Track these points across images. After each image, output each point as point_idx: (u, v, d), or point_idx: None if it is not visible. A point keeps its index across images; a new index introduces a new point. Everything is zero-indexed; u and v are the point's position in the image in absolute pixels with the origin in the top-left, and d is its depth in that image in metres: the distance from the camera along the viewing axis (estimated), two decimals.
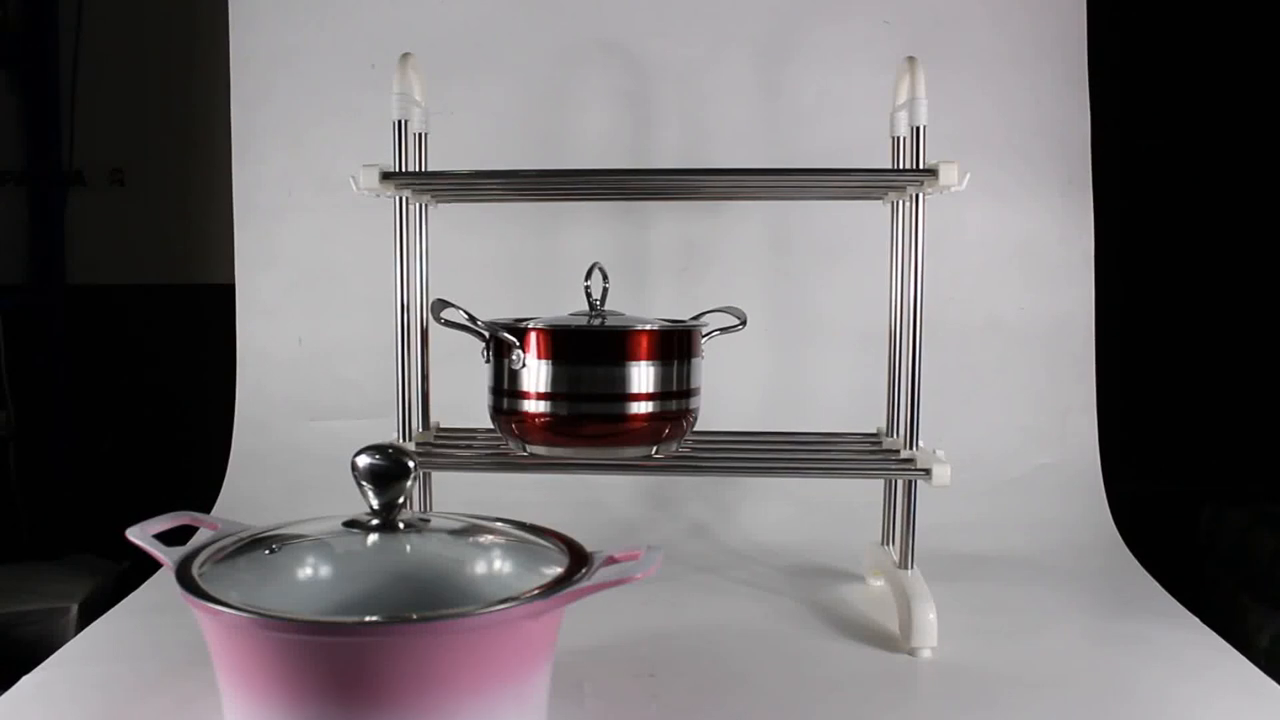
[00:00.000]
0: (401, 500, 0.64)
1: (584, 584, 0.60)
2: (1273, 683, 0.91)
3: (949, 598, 1.00)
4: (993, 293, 1.45)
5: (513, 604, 0.56)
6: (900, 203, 1.09)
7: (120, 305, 1.82)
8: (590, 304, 1.04)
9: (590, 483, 1.40)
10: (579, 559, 0.63)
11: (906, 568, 1.04)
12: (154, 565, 1.24)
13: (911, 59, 1.03)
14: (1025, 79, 1.45)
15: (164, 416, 1.63)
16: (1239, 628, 1.14)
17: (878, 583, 1.17)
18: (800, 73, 1.46)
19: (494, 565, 0.66)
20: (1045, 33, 1.45)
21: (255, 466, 1.46)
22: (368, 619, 0.54)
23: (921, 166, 1.00)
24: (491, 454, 1.06)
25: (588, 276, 1.04)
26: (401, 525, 0.66)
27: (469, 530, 0.68)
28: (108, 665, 0.94)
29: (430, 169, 1.13)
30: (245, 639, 0.57)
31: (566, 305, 1.06)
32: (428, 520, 0.67)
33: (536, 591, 0.58)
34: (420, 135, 1.12)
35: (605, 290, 1.04)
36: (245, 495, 1.43)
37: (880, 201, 1.15)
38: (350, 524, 0.68)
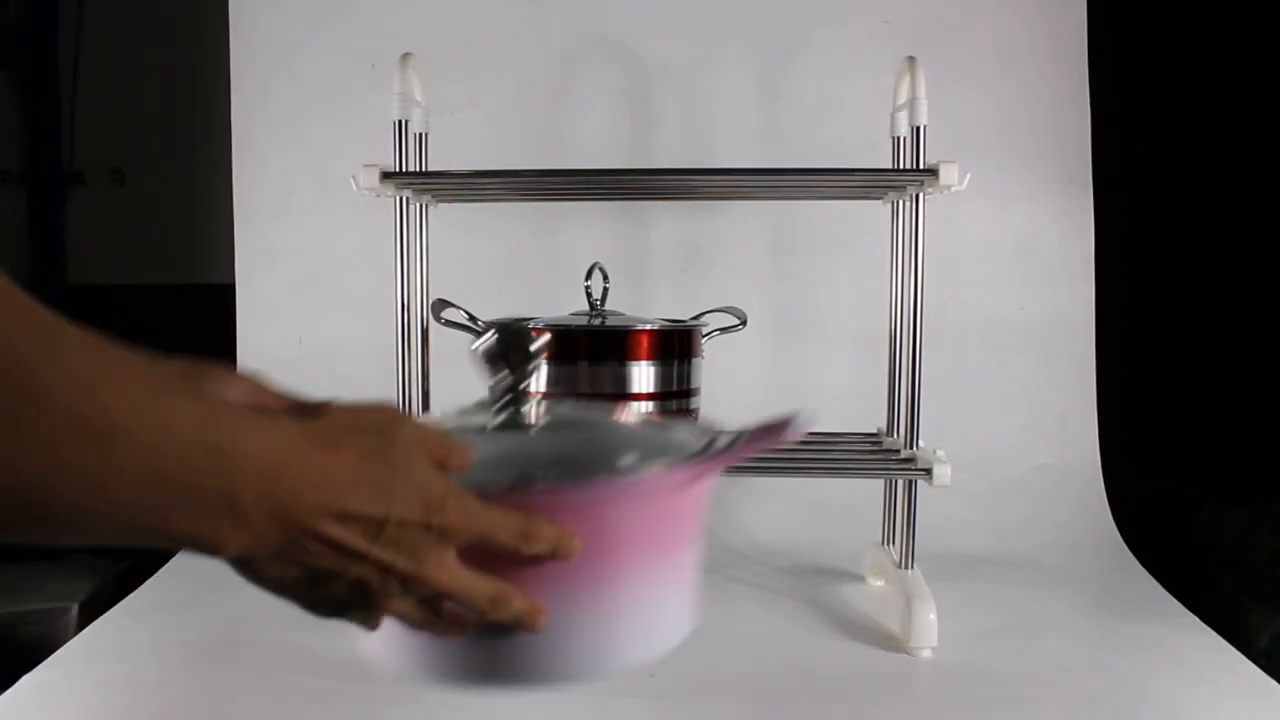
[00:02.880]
0: (527, 384, 0.59)
1: (745, 443, 0.56)
2: (1273, 683, 0.91)
3: (949, 598, 1.00)
4: (993, 293, 1.45)
5: (694, 460, 0.54)
6: (900, 203, 1.09)
7: (120, 305, 1.82)
8: (590, 304, 1.04)
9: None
10: (719, 432, 0.59)
11: (906, 568, 1.04)
12: (154, 565, 1.24)
13: (911, 59, 1.03)
14: (1025, 79, 1.45)
15: None
16: (1239, 628, 1.14)
17: (878, 583, 1.17)
18: (800, 73, 1.46)
19: (627, 444, 0.60)
20: (1045, 33, 1.45)
21: None
22: (549, 480, 0.51)
23: (921, 166, 1.00)
24: None
25: (588, 276, 1.04)
26: (526, 409, 0.60)
27: (601, 418, 0.63)
28: (108, 665, 0.94)
29: (430, 169, 1.13)
30: None
31: (567, 305, 1.06)
32: (557, 403, 0.62)
33: (705, 450, 0.55)
34: (420, 135, 1.12)
35: (605, 290, 1.04)
36: None
37: (880, 201, 1.15)
38: (475, 405, 0.63)
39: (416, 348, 1.08)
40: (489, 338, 0.60)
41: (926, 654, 0.96)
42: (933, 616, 0.96)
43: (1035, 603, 1.13)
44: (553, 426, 0.60)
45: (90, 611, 1.11)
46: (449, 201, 1.17)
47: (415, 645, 0.54)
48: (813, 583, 1.18)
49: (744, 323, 1.09)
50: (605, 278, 1.04)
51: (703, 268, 1.46)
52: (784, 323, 1.46)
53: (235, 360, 1.51)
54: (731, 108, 1.46)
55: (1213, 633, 1.03)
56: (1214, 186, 1.48)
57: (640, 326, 0.99)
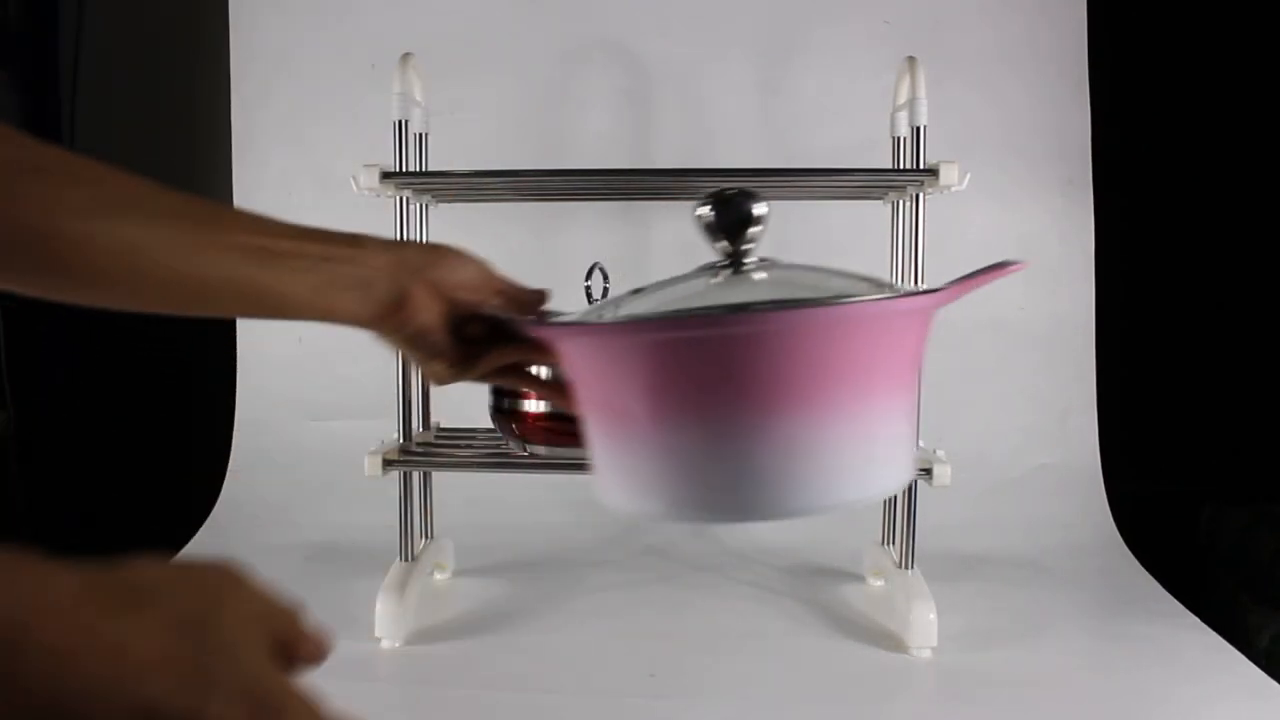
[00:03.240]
0: (751, 245, 0.58)
1: (968, 280, 0.56)
2: (1273, 683, 0.91)
3: (949, 598, 1.00)
4: (993, 293, 1.44)
5: (925, 292, 0.54)
6: (900, 203, 1.09)
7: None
8: (590, 303, 1.04)
9: (591, 482, 1.40)
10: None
11: (906, 568, 1.04)
12: None
13: (911, 59, 1.03)
14: (1025, 79, 1.45)
15: (164, 417, 1.63)
16: (1239, 628, 1.14)
17: (878, 583, 1.17)
18: (800, 73, 1.46)
19: (850, 287, 0.59)
20: (1045, 33, 1.45)
21: (255, 466, 1.46)
22: (766, 307, 0.50)
23: (922, 166, 1.00)
24: (491, 454, 1.06)
25: (588, 276, 1.04)
26: (751, 265, 0.59)
27: (821, 269, 0.61)
28: None
29: (430, 169, 1.13)
30: (639, 351, 0.51)
31: (567, 305, 1.05)
32: (775, 262, 0.60)
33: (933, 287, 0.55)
34: (420, 135, 1.12)
35: (606, 290, 1.04)
36: (245, 495, 1.43)
37: (880, 201, 1.15)
38: (703, 269, 0.61)
39: None
40: (708, 207, 0.58)
41: (926, 654, 0.96)
42: (933, 616, 0.96)
43: (1035, 603, 1.13)
44: (773, 278, 0.58)
45: None
46: (449, 201, 1.17)
47: (652, 486, 0.53)
48: (813, 583, 1.18)
49: None
50: (605, 277, 1.04)
51: None
52: None
53: (235, 360, 1.52)
54: (731, 108, 1.46)
55: (1213, 633, 1.03)
56: (1214, 187, 1.48)
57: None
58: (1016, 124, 1.45)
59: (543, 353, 0.58)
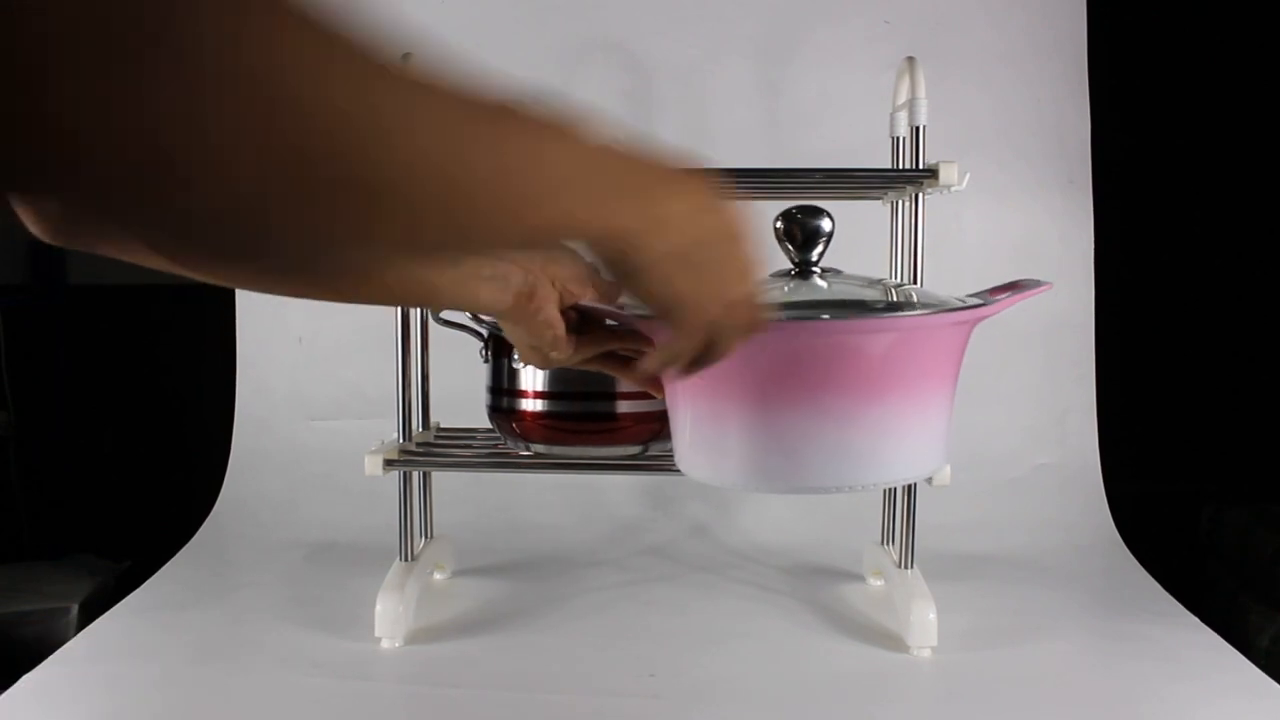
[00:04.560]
0: (819, 255, 0.69)
1: (1013, 295, 0.70)
2: (1273, 683, 0.91)
3: (949, 598, 1.00)
4: None
5: (974, 304, 0.66)
6: (900, 203, 1.09)
7: (120, 305, 1.82)
8: None
9: (590, 482, 1.41)
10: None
11: (906, 568, 1.04)
12: (154, 565, 1.24)
13: (911, 59, 1.03)
14: (1025, 79, 1.45)
15: (164, 416, 1.63)
16: (1239, 628, 1.14)
17: (878, 583, 1.17)
18: (800, 73, 1.46)
19: (907, 298, 0.71)
20: (1045, 33, 1.45)
21: (255, 466, 1.46)
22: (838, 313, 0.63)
23: (921, 166, 1.00)
24: (491, 454, 1.06)
25: None
26: (819, 274, 0.70)
27: (879, 283, 0.72)
28: (108, 665, 0.94)
29: None
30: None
31: None
32: (840, 272, 0.71)
33: (976, 302, 0.67)
34: None
35: None
36: (245, 495, 1.43)
37: (880, 201, 1.15)
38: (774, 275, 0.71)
39: (416, 348, 1.08)
40: (782, 221, 0.69)
41: (926, 654, 0.96)
42: (933, 616, 0.96)
43: (1035, 603, 1.13)
44: (836, 287, 0.69)
45: (90, 611, 1.11)
46: None
47: (722, 456, 0.63)
48: (813, 583, 1.18)
49: None
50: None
51: None
52: None
53: (235, 360, 1.52)
54: (731, 108, 1.46)
55: (1213, 633, 1.03)
56: (1214, 187, 1.48)
57: None
58: (1016, 124, 1.45)
59: (634, 339, 0.66)
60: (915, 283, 1.02)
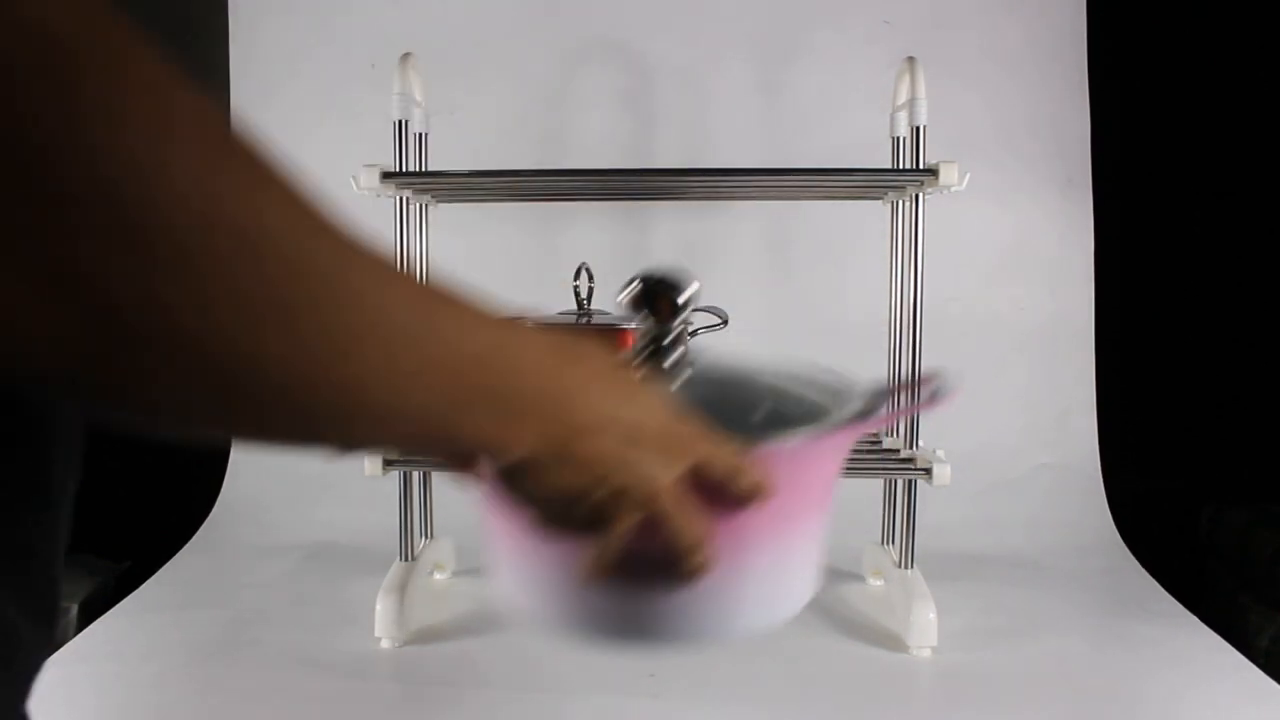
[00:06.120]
0: (677, 333, 0.59)
1: (882, 413, 0.54)
2: (1273, 683, 0.91)
3: (949, 598, 1.00)
4: (992, 293, 1.45)
5: (838, 427, 0.52)
6: (900, 203, 1.09)
7: None
8: (579, 303, 1.04)
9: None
10: (865, 394, 0.56)
11: (906, 568, 1.04)
12: (154, 565, 1.24)
13: (911, 59, 1.03)
14: (1025, 79, 1.45)
15: None
16: (1239, 628, 1.14)
17: (878, 583, 1.17)
18: (800, 73, 1.46)
19: (778, 399, 0.60)
20: (1045, 33, 1.45)
21: (255, 466, 1.46)
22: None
23: (921, 166, 1.00)
24: None
25: (576, 277, 1.04)
26: (678, 359, 0.60)
27: (747, 367, 0.62)
28: (108, 665, 0.94)
29: (430, 169, 1.13)
30: None
31: (567, 305, 1.06)
32: (706, 354, 0.61)
33: (860, 412, 0.54)
34: (420, 135, 1.12)
35: (591, 290, 1.04)
36: (245, 495, 1.43)
37: (880, 201, 1.15)
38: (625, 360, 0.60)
39: None
40: (635, 287, 0.58)
41: (926, 654, 0.96)
42: (933, 616, 0.96)
43: (1035, 603, 1.13)
44: (694, 379, 0.58)
45: (90, 611, 1.11)
46: (449, 201, 1.17)
47: (557, 593, 0.52)
48: None
49: (725, 322, 1.09)
50: (590, 278, 1.04)
51: (702, 268, 1.46)
52: (784, 322, 1.46)
53: None
54: (731, 108, 1.46)
55: (1213, 633, 1.03)
56: (1214, 187, 1.48)
57: (624, 325, 1.00)
58: (1016, 124, 1.45)
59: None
60: (915, 283, 1.02)
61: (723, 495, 0.45)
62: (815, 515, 0.54)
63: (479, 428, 0.38)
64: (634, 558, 0.44)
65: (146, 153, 0.27)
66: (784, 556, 0.52)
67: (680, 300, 0.58)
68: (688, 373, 0.58)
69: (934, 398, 0.56)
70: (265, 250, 0.30)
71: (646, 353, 0.59)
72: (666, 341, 0.59)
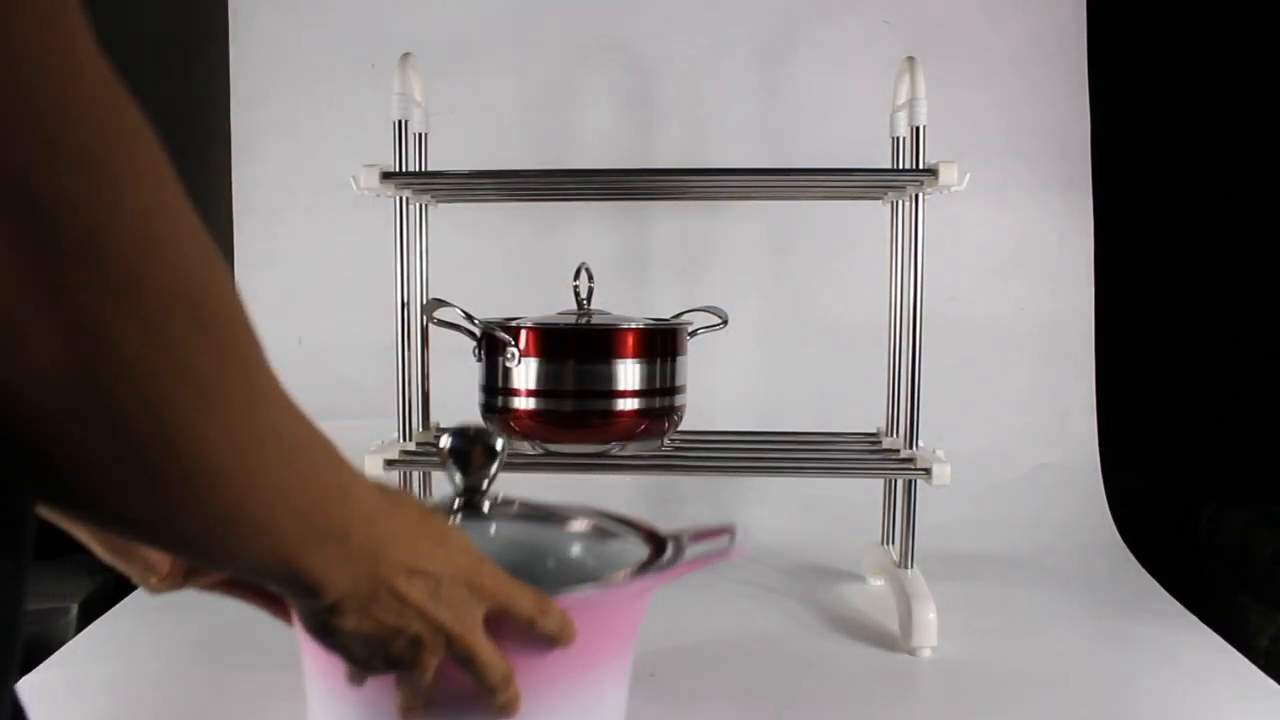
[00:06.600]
0: (487, 484, 0.62)
1: (680, 563, 0.60)
2: (1273, 683, 0.91)
3: (949, 598, 1.00)
4: (992, 293, 1.45)
5: (636, 577, 0.57)
6: (900, 203, 1.09)
7: None
8: (579, 303, 1.04)
9: (590, 482, 1.40)
10: (662, 542, 0.63)
11: (906, 567, 1.04)
12: None
13: (911, 59, 1.03)
14: (1025, 79, 1.45)
15: None
16: (1239, 628, 1.14)
17: (878, 583, 1.17)
18: (800, 73, 1.46)
19: (580, 549, 0.65)
20: (1045, 33, 1.45)
21: None
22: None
23: (921, 166, 1.00)
24: None
25: (576, 277, 1.04)
26: (486, 509, 0.63)
27: (551, 516, 0.66)
28: (108, 665, 0.94)
29: (430, 169, 1.13)
30: None
31: (567, 305, 1.06)
32: (512, 503, 0.64)
33: (643, 567, 0.58)
34: (420, 135, 1.12)
35: (590, 290, 1.04)
36: None
37: (880, 201, 1.15)
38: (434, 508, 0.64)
39: (416, 347, 1.08)
40: (451, 437, 0.61)
41: (926, 654, 0.96)
42: (933, 616, 0.96)
43: (1035, 603, 1.13)
44: (504, 530, 0.62)
45: (90, 611, 1.11)
46: (449, 201, 1.17)
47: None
48: (813, 583, 1.18)
49: (725, 322, 1.10)
50: (590, 277, 1.04)
51: (702, 268, 1.47)
52: (784, 322, 1.46)
53: None
54: (731, 108, 1.46)
55: (1213, 633, 1.03)
56: (1214, 187, 1.48)
57: (625, 325, 1.00)
58: (1016, 124, 1.45)
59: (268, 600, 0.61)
60: (915, 283, 1.02)
61: (527, 638, 0.49)
62: (619, 658, 0.59)
63: (313, 565, 0.38)
64: (444, 696, 0.48)
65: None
66: (591, 695, 0.56)
67: (493, 449, 0.61)
68: (494, 524, 0.62)
69: (726, 550, 0.61)
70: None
71: (459, 502, 0.61)
72: (479, 491, 0.62)
